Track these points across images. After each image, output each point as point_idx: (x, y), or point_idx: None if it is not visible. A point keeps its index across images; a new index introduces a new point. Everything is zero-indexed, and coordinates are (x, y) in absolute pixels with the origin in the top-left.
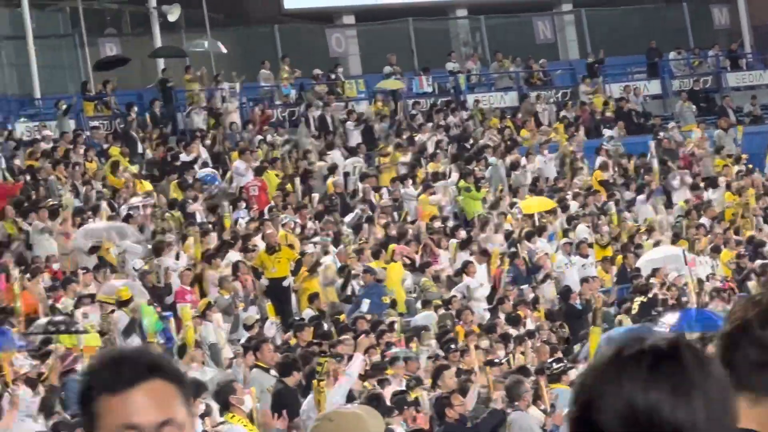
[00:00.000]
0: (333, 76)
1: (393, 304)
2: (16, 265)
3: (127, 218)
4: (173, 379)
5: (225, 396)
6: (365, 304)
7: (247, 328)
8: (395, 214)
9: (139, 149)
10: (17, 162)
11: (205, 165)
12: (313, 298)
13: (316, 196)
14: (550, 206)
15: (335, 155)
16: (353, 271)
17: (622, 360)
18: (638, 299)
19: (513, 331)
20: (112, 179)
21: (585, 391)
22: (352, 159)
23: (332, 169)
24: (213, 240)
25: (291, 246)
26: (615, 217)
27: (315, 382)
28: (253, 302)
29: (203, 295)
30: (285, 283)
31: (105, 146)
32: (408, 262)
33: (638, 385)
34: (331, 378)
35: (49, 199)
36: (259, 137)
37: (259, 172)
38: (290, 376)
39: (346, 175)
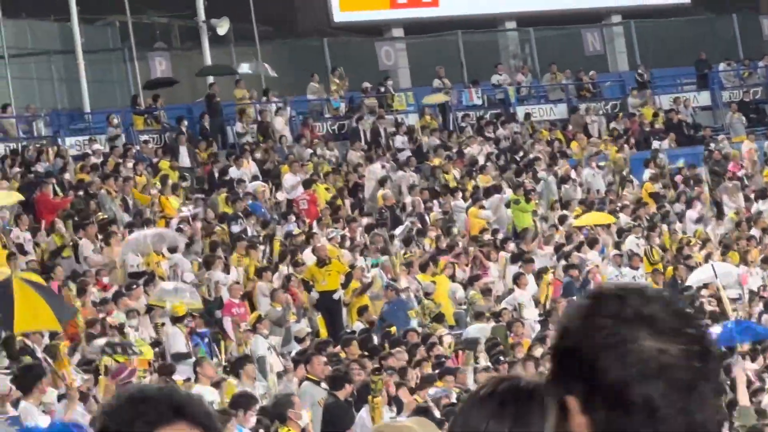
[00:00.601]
0: (382, 89)
1: (441, 317)
2: (68, 279)
3: (178, 232)
4: (200, 423)
5: (282, 409)
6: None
7: (299, 340)
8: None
9: (188, 163)
10: (67, 176)
11: (255, 178)
12: (363, 311)
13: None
14: (607, 221)
15: (383, 168)
16: (402, 285)
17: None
18: None
19: None
20: (138, 195)
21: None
22: (401, 173)
23: (381, 182)
24: (263, 253)
25: (340, 258)
26: (665, 229)
27: (370, 398)
28: (305, 315)
29: (254, 308)
30: (335, 296)
31: (155, 160)
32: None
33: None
34: (385, 393)
35: (99, 213)
36: (309, 150)
37: (307, 185)
38: (341, 389)
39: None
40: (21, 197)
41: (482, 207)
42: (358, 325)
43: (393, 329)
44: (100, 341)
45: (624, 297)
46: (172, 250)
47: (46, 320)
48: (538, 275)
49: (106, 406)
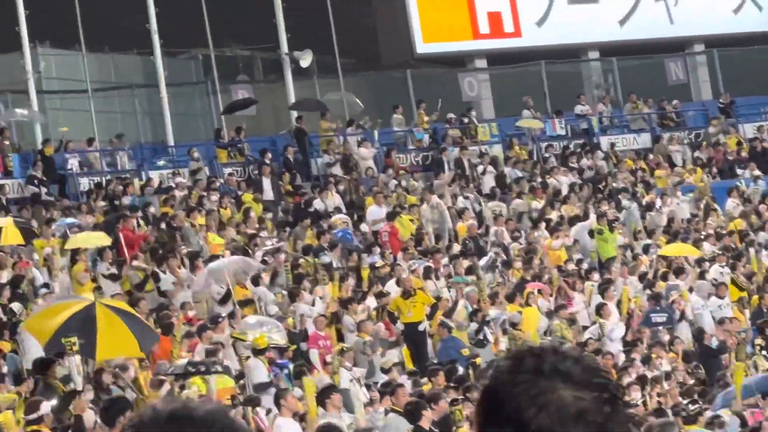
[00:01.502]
0: (466, 120)
1: None
2: (153, 312)
3: (262, 264)
4: None
5: None
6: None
7: (384, 371)
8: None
9: (269, 195)
10: (152, 209)
11: (338, 211)
12: None
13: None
14: (692, 253)
15: (467, 199)
16: (487, 316)
17: None
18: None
19: (649, 373)
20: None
21: None
22: (492, 203)
23: (461, 212)
24: (349, 285)
25: (425, 290)
26: (752, 257)
27: (454, 429)
28: (392, 346)
29: (340, 340)
30: (420, 328)
31: (239, 193)
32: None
33: None
34: (468, 423)
35: (183, 246)
36: (394, 182)
37: (391, 217)
38: (421, 419)
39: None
40: (109, 241)
41: (558, 238)
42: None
43: (479, 360)
44: (183, 361)
45: (541, 355)
46: (255, 282)
47: (129, 348)
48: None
49: (140, 419)
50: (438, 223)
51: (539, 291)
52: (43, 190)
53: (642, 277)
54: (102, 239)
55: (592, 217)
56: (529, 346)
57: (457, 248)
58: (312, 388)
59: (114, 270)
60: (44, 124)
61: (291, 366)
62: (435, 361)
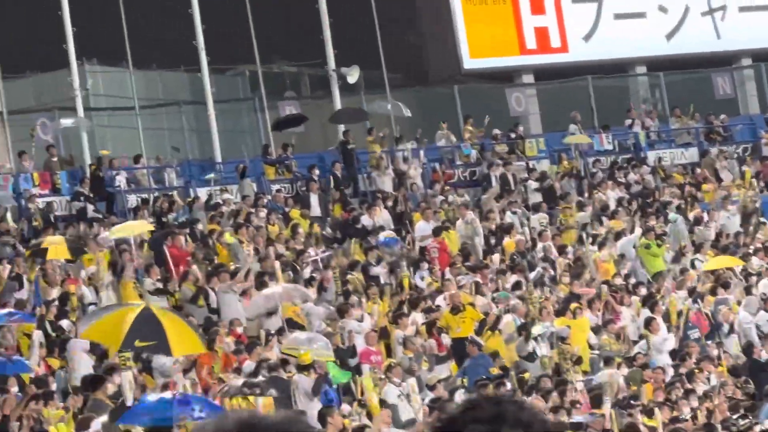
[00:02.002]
0: (513, 135)
1: (579, 361)
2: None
3: (310, 280)
4: None
5: None
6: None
7: (430, 388)
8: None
9: (316, 212)
10: (200, 226)
11: (382, 228)
12: (494, 356)
13: (496, 255)
14: (735, 264)
15: (515, 214)
16: (538, 330)
17: None
18: None
19: (698, 388)
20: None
21: None
22: (537, 215)
23: (509, 228)
24: (397, 300)
25: (473, 305)
26: None
27: None
28: (441, 361)
29: (389, 355)
30: None
31: (286, 209)
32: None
33: None
34: None
35: (232, 263)
36: (441, 197)
37: (437, 232)
38: None
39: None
40: (151, 227)
41: (608, 252)
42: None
43: (527, 375)
44: (238, 381)
45: (500, 404)
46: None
47: (195, 344)
48: (670, 320)
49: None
50: (471, 239)
51: (588, 303)
52: (90, 207)
53: (691, 292)
54: (144, 227)
55: (638, 230)
56: (484, 396)
57: (491, 261)
58: (370, 384)
59: (160, 285)
60: (91, 139)
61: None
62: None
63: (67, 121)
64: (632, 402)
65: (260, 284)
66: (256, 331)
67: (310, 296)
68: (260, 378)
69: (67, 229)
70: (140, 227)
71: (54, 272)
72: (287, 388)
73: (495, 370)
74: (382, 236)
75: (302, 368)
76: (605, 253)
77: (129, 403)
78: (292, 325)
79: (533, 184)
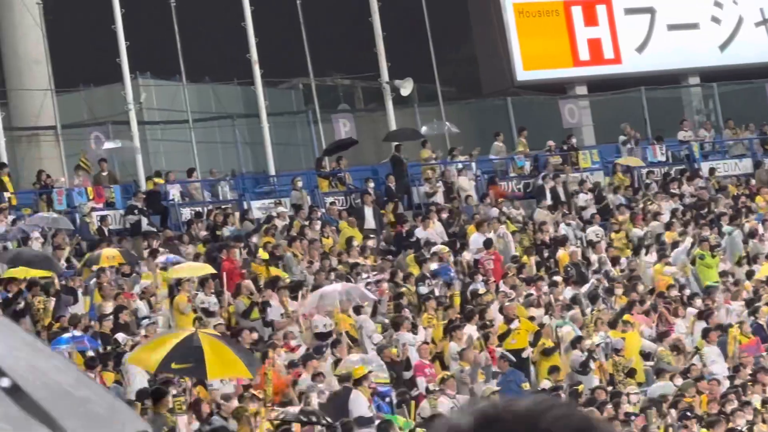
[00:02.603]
0: (566, 147)
1: (632, 373)
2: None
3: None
4: None
5: None
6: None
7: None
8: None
9: (370, 224)
10: (254, 239)
11: (429, 244)
12: (552, 370)
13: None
14: None
15: (569, 226)
16: (591, 342)
17: None
18: None
19: (754, 399)
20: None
21: None
22: (592, 228)
23: (563, 240)
24: (452, 313)
25: (530, 318)
26: None
27: None
28: (495, 375)
29: (443, 368)
30: (524, 355)
31: (340, 222)
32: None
33: None
34: None
35: (287, 276)
36: (495, 210)
37: (490, 244)
38: None
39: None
40: (213, 270)
41: (668, 263)
42: (546, 383)
43: (581, 387)
44: (294, 409)
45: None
46: (358, 311)
47: (237, 368)
48: (725, 330)
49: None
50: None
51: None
52: (144, 220)
53: (748, 303)
54: (205, 269)
55: (688, 240)
56: (499, 409)
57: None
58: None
59: (214, 299)
60: (144, 153)
61: (393, 394)
62: (538, 388)
63: (114, 144)
64: (688, 414)
65: None
66: (310, 343)
67: (370, 297)
68: (312, 408)
69: (120, 243)
70: (201, 270)
71: (109, 286)
72: (345, 404)
73: (526, 386)
74: (433, 266)
75: (357, 383)
76: (659, 265)
77: None
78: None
79: (587, 196)
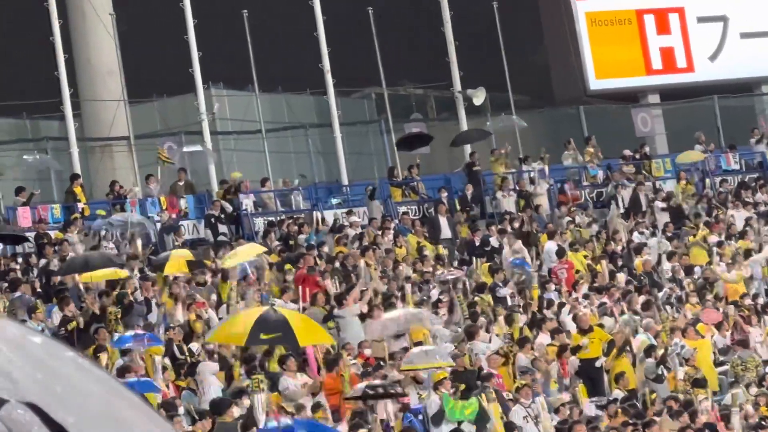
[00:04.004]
0: (639, 156)
1: (703, 383)
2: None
3: (436, 303)
4: None
5: None
6: None
7: (555, 410)
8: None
9: (445, 234)
10: (326, 249)
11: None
12: (619, 377)
13: (622, 276)
14: None
15: (642, 234)
16: (664, 351)
17: None
18: None
19: None
20: None
21: None
22: (665, 236)
23: (639, 248)
24: (522, 322)
25: (601, 326)
26: None
27: None
28: (567, 387)
29: (514, 377)
30: (597, 364)
31: (412, 231)
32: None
33: None
34: None
35: (359, 285)
36: (568, 218)
37: (562, 253)
38: None
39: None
40: (263, 249)
41: (742, 272)
42: (617, 393)
43: (653, 395)
44: (361, 384)
45: None
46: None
47: (323, 335)
48: None
49: None
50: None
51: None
52: (221, 227)
53: None
54: (255, 249)
55: (766, 249)
56: None
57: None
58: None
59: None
60: (218, 164)
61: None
62: (610, 398)
63: (192, 148)
64: (763, 423)
65: (389, 306)
66: (382, 353)
67: (435, 320)
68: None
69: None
70: (252, 250)
71: (182, 295)
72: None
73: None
74: (512, 257)
75: (436, 387)
76: (734, 273)
77: (260, 426)
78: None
79: (660, 204)
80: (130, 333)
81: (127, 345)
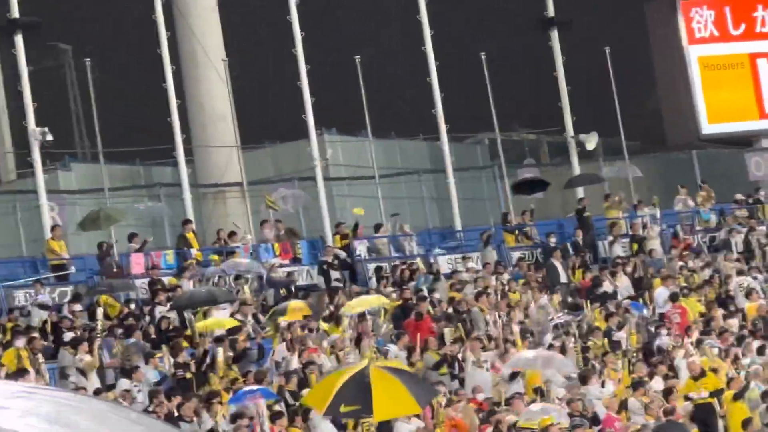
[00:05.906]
0: (752, 201)
1: None
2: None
3: (549, 348)
4: None
5: None
6: None
7: None
8: None
9: (563, 278)
10: (437, 295)
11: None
12: (746, 424)
13: (734, 321)
14: None
15: (756, 279)
16: None
17: None
18: None
19: None
20: None
21: None
22: None
23: (749, 292)
24: (640, 367)
25: (715, 371)
26: None
27: None
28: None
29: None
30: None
31: (527, 276)
32: None
33: None
34: None
35: (476, 332)
36: (680, 263)
37: (675, 298)
38: None
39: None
40: (386, 300)
41: None
42: None
43: None
44: None
45: None
46: (549, 366)
47: (406, 405)
48: None
49: None
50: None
51: None
52: (334, 275)
53: None
54: (379, 300)
55: None
56: None
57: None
58: None
59: (404, 354)
60: (331, 209)
61: None
62: None
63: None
64: None
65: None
66: (498, 397)
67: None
68: None
69: (306, 299)
70: (376, 301)
71: (295, 341)
72: None
73: None
74: (626, 300)
75: None
76: None
77: None
78: None
79: None
80: (244, 388)
81: (242, 403)
